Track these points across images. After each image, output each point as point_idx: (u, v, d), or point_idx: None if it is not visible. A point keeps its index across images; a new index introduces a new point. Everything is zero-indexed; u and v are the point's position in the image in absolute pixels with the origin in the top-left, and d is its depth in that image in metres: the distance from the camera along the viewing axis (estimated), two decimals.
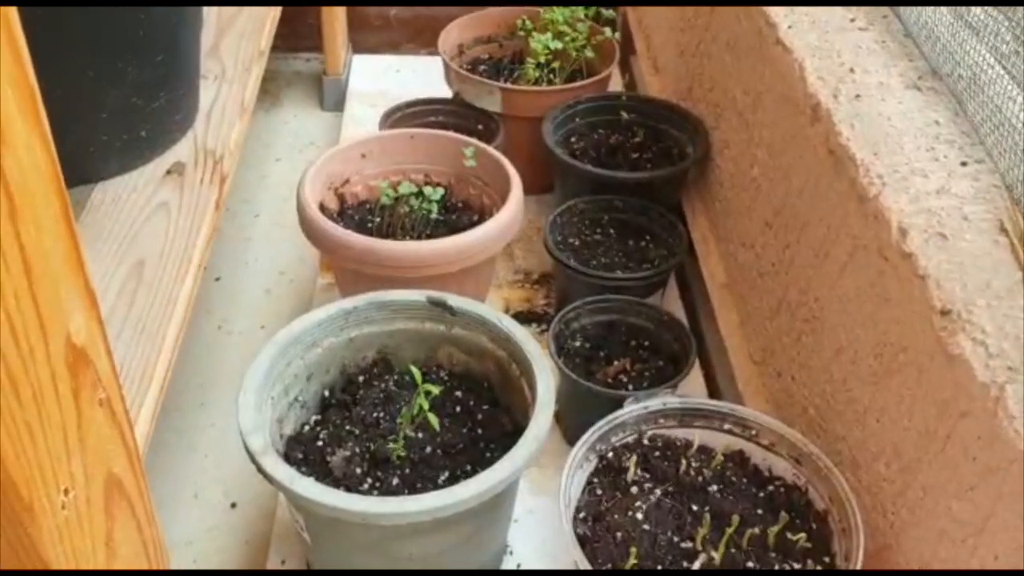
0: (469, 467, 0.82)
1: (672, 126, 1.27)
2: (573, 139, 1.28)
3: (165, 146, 0.99)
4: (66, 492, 0.44)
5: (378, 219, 1.13)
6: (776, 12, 1.00)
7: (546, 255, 1.30)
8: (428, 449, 0.83)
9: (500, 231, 1.02)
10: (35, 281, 0.40)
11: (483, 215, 1.14)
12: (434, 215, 1.10)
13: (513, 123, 1.30)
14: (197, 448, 1.10)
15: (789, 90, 0.95)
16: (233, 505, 1.04)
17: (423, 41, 1.80)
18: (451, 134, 1.17)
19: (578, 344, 1.04)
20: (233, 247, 1.38)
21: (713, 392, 1.11)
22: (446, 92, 1.39)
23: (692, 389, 1.06)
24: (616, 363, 1.02)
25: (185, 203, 0.93)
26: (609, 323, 1.05)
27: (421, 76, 1.70)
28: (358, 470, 0.81)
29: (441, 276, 1.01)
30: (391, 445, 0.83)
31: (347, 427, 0.87)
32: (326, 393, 0.92)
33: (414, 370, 0.84)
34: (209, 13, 1.22)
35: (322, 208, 1.08)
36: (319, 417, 0.90)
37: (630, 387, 1.00)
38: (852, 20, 1.00)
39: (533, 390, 0.79)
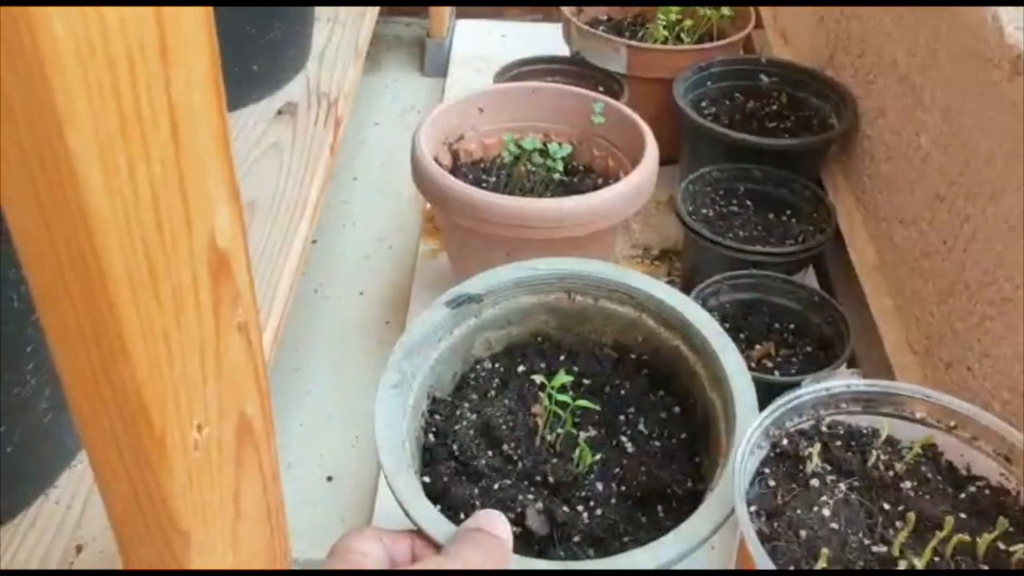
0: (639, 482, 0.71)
1: (813, 95, 1.16)
2: (704, 104, 1.17)
3: (276, 84, 0.91)
4: (199, 429, 0.35)
5: (493, 178, 1.04)
6: None
7: (667, 230, 1.20)
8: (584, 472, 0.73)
9: (636, 191, 0.92)
10: (182, 150, 0.31)
11: (607, 179, 1.05)
12: (557, 176, 1.00)
13: (638, 85, 1.20)
14: (291, 416, 1.02)
15: (977, 44, 0.83)
16: (329, 479, 0.95)
17: (528, 8, 1.71)
18: (577, 89, 1.07)
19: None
20: (330, 210, 1.30)
21: None
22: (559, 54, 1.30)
23: None
24: (759, 347, 0.92)
25: (298, 145, 0.85)
26: (750, 302, 0.95)
27: (526, 41, 1.61)
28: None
29: (566, 240, 0.92)
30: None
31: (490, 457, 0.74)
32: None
33: (553, 381, 0.72)
34: None
35: (436, 163, 1.00)
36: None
37: (776, 373, 0.89)
38: None
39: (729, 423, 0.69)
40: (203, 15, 0.32)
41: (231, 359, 0.38)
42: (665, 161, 1.23)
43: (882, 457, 0.64)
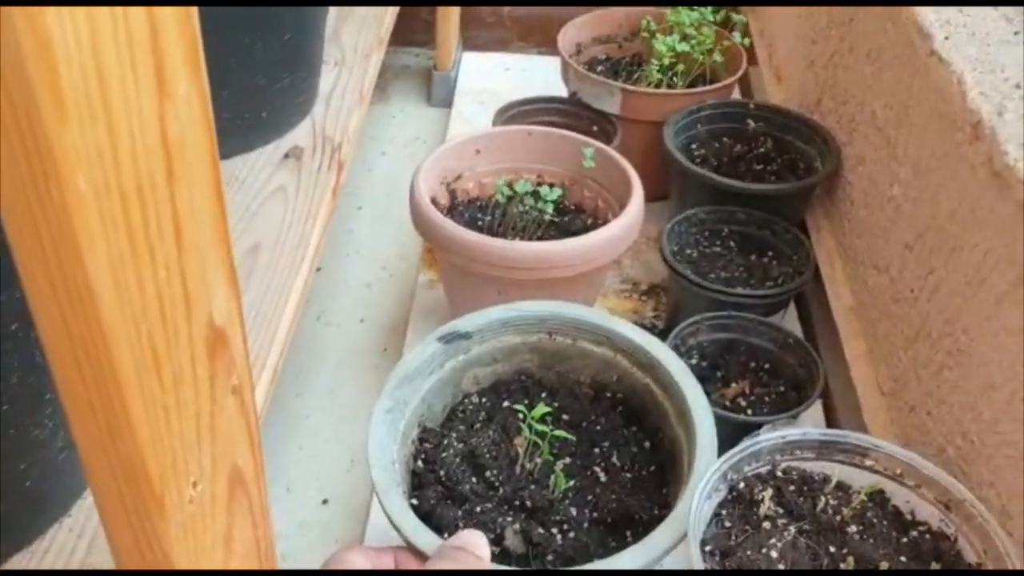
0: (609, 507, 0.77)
1: (799, 139, 1.21)
2: (694, 146, 1.23)
3: (284, 129, 0.97)
4: (194, 485, 0.40)
5: (488, 217, 1.10)
6: (930, 22, 0.93)
7: (656, 266, 1.25)
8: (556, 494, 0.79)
9: (623, 234, 0.97)
10: (184, 251, 0.36)
11: (597, 219, 1.10)
12: (548, 216, 1.06)
13: (631, 126, 1.25)
14: (291, 440, 1.08)
15: (944, 105, 0.88)
16: (325, 501, 1.01)
17: (534, 40, 1.77)
18: (570, 133, 1.12)
19: (694, 362, 0.98)
20: (335, 238, 1.36)
21: (833, 424, 1.04)
22: (558, 92, 1.35)
23: (811, 420, 0.99)
24: (734, 385, 0.97)
25: (303, 188, 0.91)
26: (728, 342, 1.00)
27: (531, 76, 1.67)
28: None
29: (554, 280, 0.97)
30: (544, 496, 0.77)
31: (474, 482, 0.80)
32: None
33: (537, 410, 0.78)
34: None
35: (433, 203, 1.05)
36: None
37: (749, 412, 0.94)
38: (1016, 33, 0.93)
39: (690, 441, 0.75)
40: (206, 136, 0.37)
41: (225, 420, 0.43)
42: (657, 198, 1.29)
43: (831, 502, 0.68)
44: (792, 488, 0.69)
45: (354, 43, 1.13)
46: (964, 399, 0.81)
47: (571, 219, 1.11)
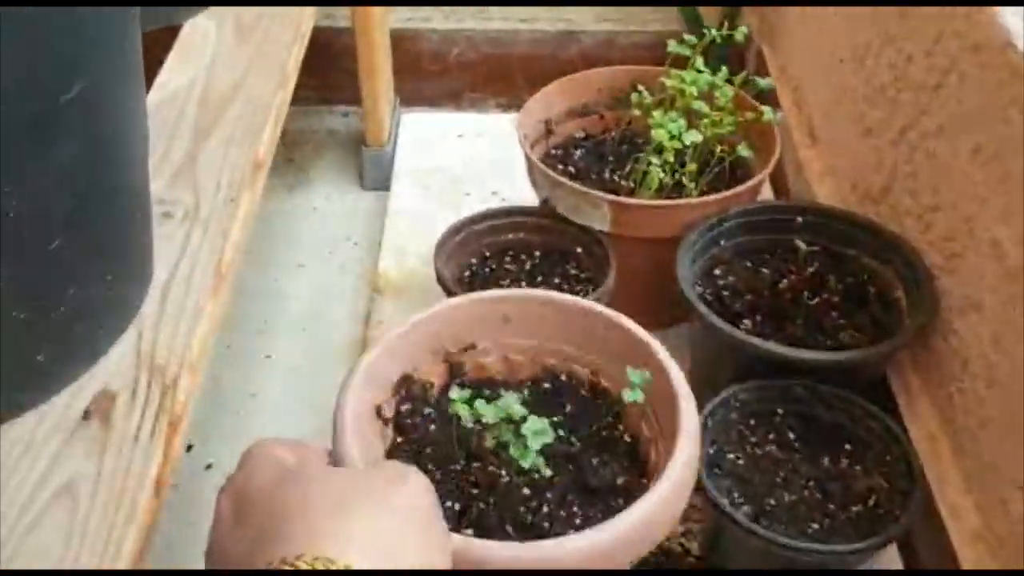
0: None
1: (867, 252, 0.86)
2: (717, 272, 0.87)
3: (82, 366, 0.60)
4: None
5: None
6: None
7: None
8: None
9: (650, 523, 0.58)
10: None
11: (638, 453, 0.68)
12: (538, 473, 0.64)
13: (627, 245, 0.89)
14: None
15: None
16: None
17: (492, 89, 1.40)
18: (586, 304, 0.69)
19: None
20: (229, 410, 1.00)
21: None
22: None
23: None
24: None
25: (105, 480, 0.55)
26: None
27: (490, 142, 1.29)
28: None
29: None
30: None
31: None
32: None
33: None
34: (188, 104, 0.83)
35: (378, 412, 0.67)
36: None
37: None
38: None
39: None
40: None
41: None
42: (676, 320, 0.91)
43: None
44: None
45: (216, 177, 0.76)
46: None
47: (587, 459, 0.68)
